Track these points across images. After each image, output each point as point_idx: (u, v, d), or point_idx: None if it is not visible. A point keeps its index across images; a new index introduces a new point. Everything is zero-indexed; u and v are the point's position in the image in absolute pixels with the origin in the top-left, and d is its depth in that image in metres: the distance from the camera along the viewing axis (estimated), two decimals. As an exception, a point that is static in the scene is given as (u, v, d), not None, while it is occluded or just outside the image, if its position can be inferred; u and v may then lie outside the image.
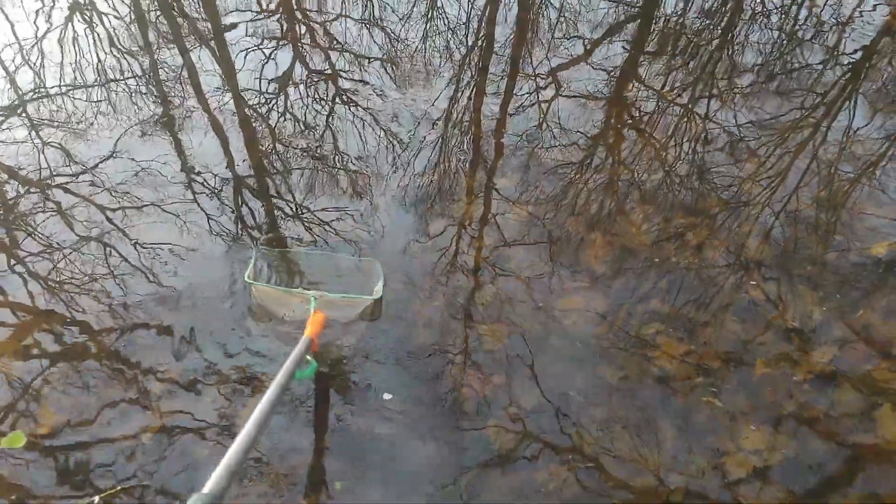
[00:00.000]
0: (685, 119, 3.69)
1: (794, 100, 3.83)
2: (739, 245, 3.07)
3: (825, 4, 4.60)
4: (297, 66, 3.88)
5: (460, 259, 2.95)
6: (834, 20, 4.43)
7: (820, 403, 2.54)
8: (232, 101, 3.63)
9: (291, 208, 3.16)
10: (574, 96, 3.75)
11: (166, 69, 3.78)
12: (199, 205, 3.12)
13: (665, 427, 2.43)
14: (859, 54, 4.21)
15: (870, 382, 2.63)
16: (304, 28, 4.17)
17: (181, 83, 3.69)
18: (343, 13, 4.29)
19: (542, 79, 3.85)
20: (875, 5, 4.62)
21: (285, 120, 3.57)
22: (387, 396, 2.51)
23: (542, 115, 3.64)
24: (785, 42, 4.27)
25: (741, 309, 2.82)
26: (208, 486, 1.41)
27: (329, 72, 3.83)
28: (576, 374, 2.56)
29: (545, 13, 4.43)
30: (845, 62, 4.16)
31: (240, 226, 3.07)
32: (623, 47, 4.09)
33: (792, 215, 3.22)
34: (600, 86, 3.83)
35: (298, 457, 2.32)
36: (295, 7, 4.31)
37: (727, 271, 2.96)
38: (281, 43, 4.00)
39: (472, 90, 3.78)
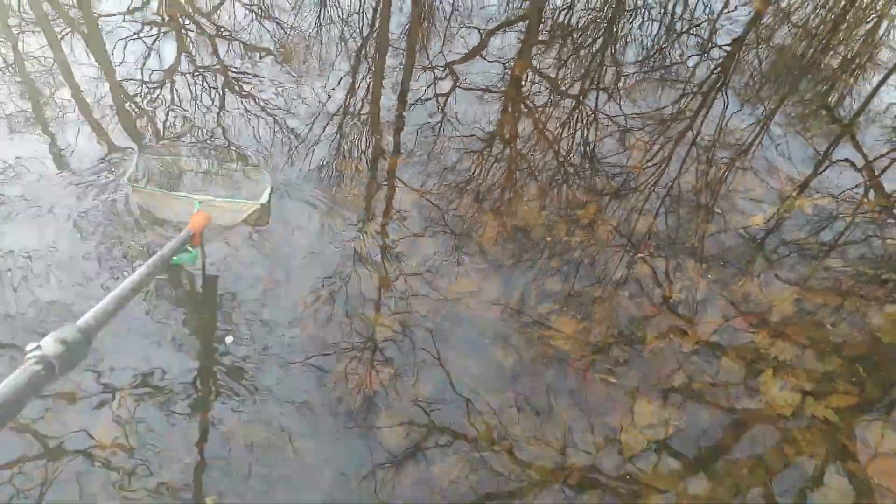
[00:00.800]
0: (576, 110, 3.74)
1: (674, 90, 3.93)
2: (628, 224, 3.13)
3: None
4: (182, 56, 3.68)
5: (358, 250, 2.88)
6: (706, 15, 4.57)
7: (707, 373, 2.62)
8: (110, 94, 3.40)
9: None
10: (470, 88, 3.72)
11: (34, 60, 3.50)
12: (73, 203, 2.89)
13: (562, 407, 2.45)
14: (729, 46, 4.37)
15: (751, 350, 2.74)
16: (187, 16, 3.96)
17: (52, 75, 3.43)
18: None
19: (440, 70, 3.80)
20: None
21: (171, 114, 3.37)
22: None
23: (440, 107, 3.60)
24: (664, 35, 4.39)
25: (631, 285, 2.88)
26: (81, 321, 1.55)
27: (217, 62, 3.66)
28: (472, 360, 2.55)
29: (440, 5, 4.37)
30: (716, 55, 4.31)
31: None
32: (517, 39, 4.09)
33: (675, 196, 3.31)
34: (495, 78, 3.81)
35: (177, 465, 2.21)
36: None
37: (618, 250, 3.02)
38: (163, 31, 3.78)
39: (369, 81, 3.69)
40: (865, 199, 3.47)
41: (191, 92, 3.45)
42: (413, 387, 2.45)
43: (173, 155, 3.02)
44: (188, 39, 3.78)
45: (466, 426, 2.37)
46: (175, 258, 2.29)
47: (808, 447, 2.48)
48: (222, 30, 3.84)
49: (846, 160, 3.65)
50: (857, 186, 3.52)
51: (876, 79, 4.22)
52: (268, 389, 2.37)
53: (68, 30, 3.71)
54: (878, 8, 4.72)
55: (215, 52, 3.71)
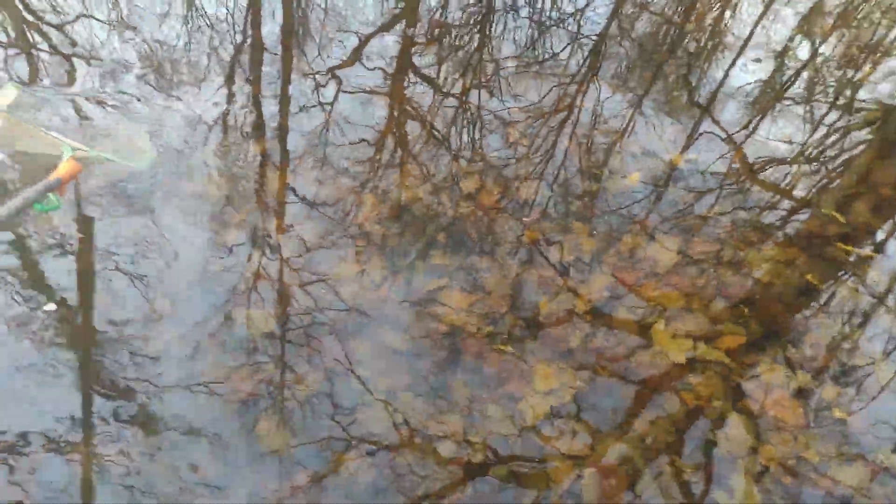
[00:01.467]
0: (460, 108, 3.63)
1: (549, 82, 3.90)
2: (513, 191, 3.08)
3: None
4: (37, 76, 3.26)
5: (244, 254, 2.67)
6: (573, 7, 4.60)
7: (601, 332, 2.61)
8: None
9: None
10: (354, 91, 3.50)
11: None
12: None
13: (458, 385, 2.36)
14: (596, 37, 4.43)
15: (641, 304, 2.75)
16: (37, 34, 3.53)
17: None
18: (84, 13, 3.68)
19: (322, 76, 3.57)
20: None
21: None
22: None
23: (325, 112, 3.37)
24: (536, 31, 4.39)
25: (521, 252, 2.83)
26: None
27: (76, 83, 3.25)
28: (359, 346, 2.41)
29: (312, 12, 4.15)
30: (587, 45, 4.36)
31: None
32: (395, 41, 3.95)
33: (559, 172, 3.30)
34: (378, 80, 3.62)
35: None
36: (22, 8, 3.64)
37: (505, 218, 2.96)
38: (10, 52, 3.35)
39: (249, 92, 3.41)
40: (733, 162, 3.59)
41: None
42: (287, 381, 2.29)
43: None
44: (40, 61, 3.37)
45: (353, 417, 2.23)
46: (37, 204, 2.16)
47: (706, 391, 2.51)
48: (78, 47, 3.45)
49: (710, 132, 3.75)
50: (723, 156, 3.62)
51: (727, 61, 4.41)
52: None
53: None
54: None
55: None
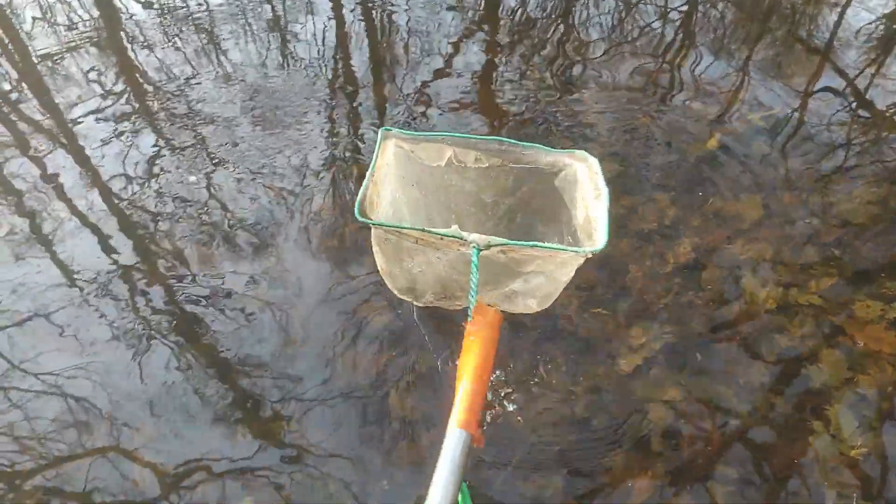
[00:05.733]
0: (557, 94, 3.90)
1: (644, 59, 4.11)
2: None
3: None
4: (160, 142, 3.82)
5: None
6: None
7: (691, 288, 2.80)
8: (99, 195, 3.53)
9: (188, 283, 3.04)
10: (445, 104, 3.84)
11: (20, 179, 3.65)
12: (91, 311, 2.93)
13: (556, 351, 2.64)
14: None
15: (730, 258, 2.91)
16: (156, 102, 4.14)
17: (40, 191, 3.55)
18: (194, 74, 4.27)
19: (421, 94, 3.92)
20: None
21: (162, 199, 3.45)
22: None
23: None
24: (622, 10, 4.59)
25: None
26: None
27: (194, 140, 3.78)
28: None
29: (392, 38, 4.53)
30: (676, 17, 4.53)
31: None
32: (479, 49, 4.26)
33: (639, 133, 3.51)
34: (468, 91, 3.94)
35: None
36: (141, 80, 4.30)
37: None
38: (136, 123, 3.94)
39: (350, 127, 3.79)
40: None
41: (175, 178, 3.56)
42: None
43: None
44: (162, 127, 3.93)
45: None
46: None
47: (798, 331, 2.64)
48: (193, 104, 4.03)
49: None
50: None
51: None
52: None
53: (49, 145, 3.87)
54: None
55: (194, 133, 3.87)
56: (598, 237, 1.65)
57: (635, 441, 2.35)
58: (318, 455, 2.37)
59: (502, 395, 2.48)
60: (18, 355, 2.75)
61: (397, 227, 1.66)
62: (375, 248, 1.82)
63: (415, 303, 2.04)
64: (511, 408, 2.44)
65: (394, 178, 1.96)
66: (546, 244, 1.59)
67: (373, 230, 1.76)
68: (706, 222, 3.04)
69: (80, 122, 3.94)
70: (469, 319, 1.67)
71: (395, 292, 2.00)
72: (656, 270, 2.85)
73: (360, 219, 1.64)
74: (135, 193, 3.47)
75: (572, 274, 1.74)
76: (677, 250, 2.93)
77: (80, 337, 2.80)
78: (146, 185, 3.51)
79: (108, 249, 3.18)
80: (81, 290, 2.98)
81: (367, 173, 1.80)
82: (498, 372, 2.53)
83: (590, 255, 1.60)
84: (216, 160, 3.60)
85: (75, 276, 3.05)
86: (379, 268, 1.92)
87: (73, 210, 3.41)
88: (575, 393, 2.48)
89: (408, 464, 2.32)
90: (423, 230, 1.63)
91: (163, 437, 2.45)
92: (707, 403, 2.44)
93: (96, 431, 2.49)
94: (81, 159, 3.71)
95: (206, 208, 3.33)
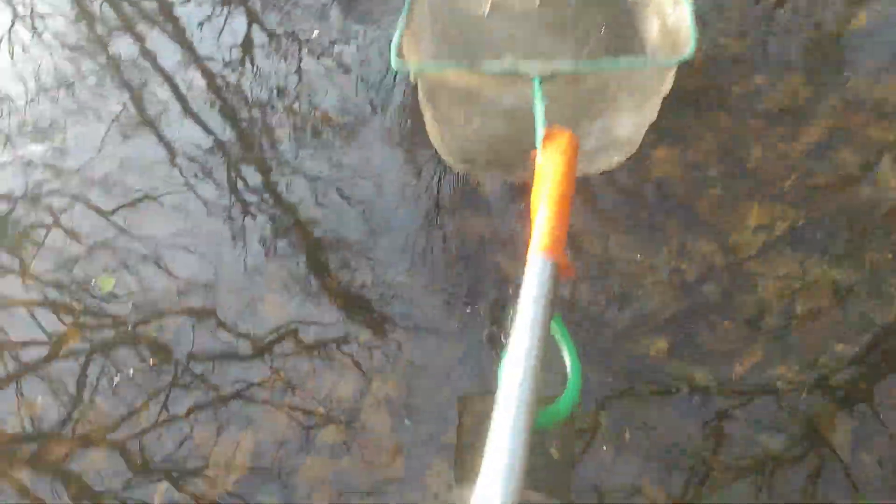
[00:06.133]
0: None
1: None
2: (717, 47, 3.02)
3: None
4: (255, 26, 3.80)
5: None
6: None
7: (820, 170, 2.54)
8: (199, 76, 3.57)
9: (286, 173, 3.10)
10: None
11: (125, 61, 3.71)
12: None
13: (671, 223, 2.46)
14: None
15: (867, 142, 2.62)
16: None
17: (142, 71, 3.63)
18: None
19: None
20: None
21: (257, 83, 3.49)
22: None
23: None
24: None
25: (733, 99, 2.81)
26: None
27: (286, 26, 3.71)
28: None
29: None
30: None
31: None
32: None
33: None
34: None
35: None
36: None
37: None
38: (233, 6, 3.92)
39: None
40: None
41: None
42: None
43: None
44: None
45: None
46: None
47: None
48: None
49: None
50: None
51: None
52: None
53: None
54: None
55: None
56: (684, 43, 1.42)
57: (745, 314, 2.27)
58: (402, 328, 2.43)
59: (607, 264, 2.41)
60: (127, 225, 2.94)
61: (442, 66, 1.49)
62: (424, 108, 1.65)
63: (473, 172, 1.87)
64: (618, 274, 2.39)
65: (433, 32, 1.74)
66: (623, 59, 1.38)
67: (419, 85, 1.56)
68: (844, 104, 2.73)
69: (182, 4, 3.95)
70: (538, 150, 1.42)
71: (450, 160, 1.83)
72: (783, 151, 2.63)
73: (398, 64, 1.45)
74: (230, 77, 3.49)
75: (658, 104, 1.51)
76: (809, 132, 2.67)
77: (181, 210, 2.93)
78: (241, 69, 3.52)
79: (207, 130, 3.26)
80: (183, 168, 3.10)
81: (399, 21, 1.57)
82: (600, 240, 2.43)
83: (677, 65, 1.36)
84: (307, 47, 3.54)
85: (177, 155, 3.15)
86: (430, 135, 1.74)
87: (175, 92, 3.47)
88: (685, 265, 2.39)
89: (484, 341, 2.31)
90: (472, 67, 1.41)
91: (253, 305, 2.57)
92: (825, 284, 2.30)
93: (194, 297, 2.62)
94: (182, 41, 3.75)
95: (296, 96, 3.32)
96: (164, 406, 2.36)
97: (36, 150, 3.35)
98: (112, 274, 2.73)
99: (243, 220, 2.86)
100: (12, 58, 3.81)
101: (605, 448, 2.11)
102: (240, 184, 3.03)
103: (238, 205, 2.92)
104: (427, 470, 2.14)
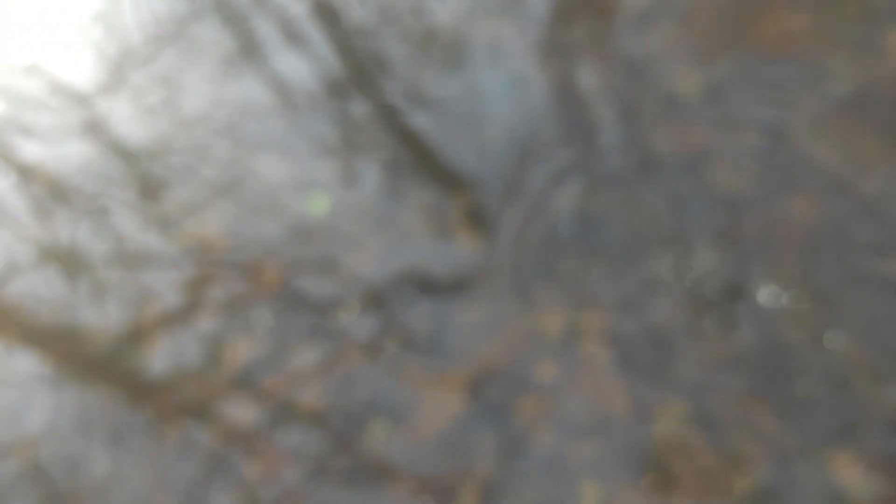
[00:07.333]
0: None
1: None
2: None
3: None
4: None
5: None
6: None
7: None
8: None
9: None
10: None
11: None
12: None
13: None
14: None
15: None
16: None
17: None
18: None
19: None
20: None
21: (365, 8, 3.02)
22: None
23: None
24: None
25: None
26: None
27: None
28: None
29: None
30: None
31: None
32: None
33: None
34: None
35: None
36: None
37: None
38: None
39: None
40: None
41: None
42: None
43: None
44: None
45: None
46: None
47: None
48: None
49: None
50: None
51: None
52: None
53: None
54: None
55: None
56: None
57: None
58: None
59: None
60: (238, 165, 2.63)
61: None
62: None
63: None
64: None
65: None
66: None
67: None
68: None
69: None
70: None
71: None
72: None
73: None
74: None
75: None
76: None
77: (294, 149, 2.63)
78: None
79: (317, 61, 2.96)
80: (295, 103, 2.79)
81: None
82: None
83: None
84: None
85: (287, 89, 2.85)
86: None
87: (282, 23, 3.11)
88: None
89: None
90: None
91: (376, 245, 2.32)
92: None
93: (313, 240, 2.36)
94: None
95: (410, 18, 2.99)
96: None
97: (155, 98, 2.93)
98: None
99: (358, 155, 2.55)
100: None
101: None
102: (352, 115, 2.70)
103: (351, 137, 2.59)
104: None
